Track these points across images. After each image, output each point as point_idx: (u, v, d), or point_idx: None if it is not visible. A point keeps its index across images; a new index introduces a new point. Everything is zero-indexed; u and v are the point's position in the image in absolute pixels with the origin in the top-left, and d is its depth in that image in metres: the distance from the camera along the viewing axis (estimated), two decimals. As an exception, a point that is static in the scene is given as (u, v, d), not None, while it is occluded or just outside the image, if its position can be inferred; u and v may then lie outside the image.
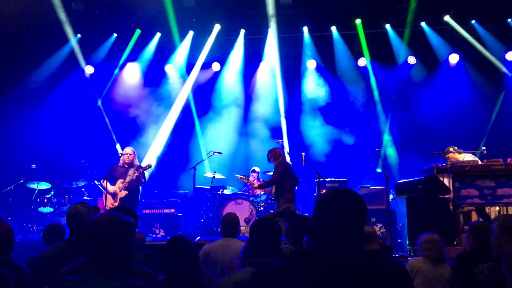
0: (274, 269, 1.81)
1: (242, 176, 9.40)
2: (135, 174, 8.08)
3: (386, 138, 12.09)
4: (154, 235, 9.76)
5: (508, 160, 7.02)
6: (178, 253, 3.09)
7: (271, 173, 10.44)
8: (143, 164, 8.46)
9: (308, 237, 3.82)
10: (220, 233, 5.06)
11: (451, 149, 8.30)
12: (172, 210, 10.24)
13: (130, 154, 8.39)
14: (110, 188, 8.13)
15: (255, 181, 10.55)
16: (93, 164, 10.88)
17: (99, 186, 8.80)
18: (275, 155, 8.34)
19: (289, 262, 1.80)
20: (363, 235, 1.91)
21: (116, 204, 8.09)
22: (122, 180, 8.20)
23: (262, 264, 2.82)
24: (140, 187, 8.42)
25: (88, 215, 3.51)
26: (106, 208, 8.00)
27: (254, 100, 12.78)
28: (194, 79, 12.92)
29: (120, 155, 8.56)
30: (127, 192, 8.14)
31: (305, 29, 12.41)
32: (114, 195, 8.17)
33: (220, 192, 10.59)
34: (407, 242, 7.48)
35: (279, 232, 3.06)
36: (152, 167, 9.85)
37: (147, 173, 8.71)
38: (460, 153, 8.20)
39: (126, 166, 8.36)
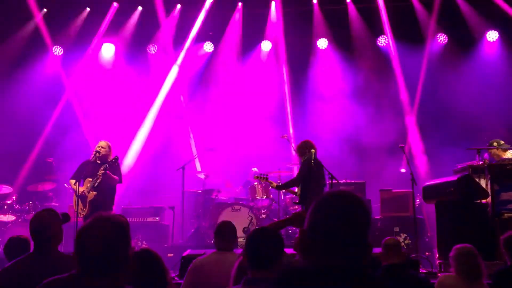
0: None
1: (259, 176, 9.13)
2: (101, 171, 7.97)
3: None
4: (135, 249, 9.75)
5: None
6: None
7: (275, 173, 10.51)
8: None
9: (301, 251, 3.83)
10: (214, 246, 5.05)
11: (495, 143, 8.24)
12: (157, 219, 10.22)
13: (102, 148, 8.23)
14: (80, 189, 8.02)
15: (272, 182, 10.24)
16: (63, 163, 10.86)
17: (73, 187, 8.67)
18: (302, 149, 8.24)
19: (277, 283, 1.79)
20: (369, 248, 1.89)
21: (85, 209, 7.98)
22: (91, 179, 8.10)
23: (259, 282, 2.84)
24: (114, 188, 8.30)
25: (56, 224, 3.50)
26: (79, 215, 7.93)
27: (254, 87, 12.76)
28: (182, 61, 12.89)
29: (95, 152, 8.41)
30: (96, 193, 8.02)
31: (315, 1, 12.37)
32: (83, 198, 8.06)
33: (214, 197, 10.59)
34: (437, 255, 7.47)
35: (280, 243, 3.07)
36: (129, 163, 9.73)
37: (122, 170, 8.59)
38: (505, 150, 8.14)
39: (99, 162, 8.20)
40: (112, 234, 2.13)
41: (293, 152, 10.52)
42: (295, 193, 8.38)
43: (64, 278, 2.46)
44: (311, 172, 7.89)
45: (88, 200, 7.99)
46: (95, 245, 2.10)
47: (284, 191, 10.73)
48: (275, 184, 8.63)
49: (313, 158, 8.11)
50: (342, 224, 1.83)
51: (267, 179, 8.84)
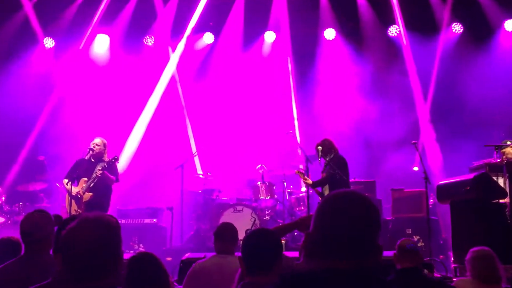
0: None
1: (299, 171, 9.08)
2: (99, 171, 8.01)
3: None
4: (132, 252, 9.76)
5: None
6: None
7: (279, 172, 10.50)
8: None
9: (305, 254, 3.82)
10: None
11: (508, 142, 8.26)
12: (154, 220, 10.22)
13: (97, 145, 8.28)
14: (73, 190, 8.03)
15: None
16: (55, 161, 10.87)
17: (66, 187, 8.70)
18: (328, 147, 8.29)
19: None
20: (378, 250, 1.88)
21: (80, 210, 7.99)
22: (86, 179, 8.11)
23: (257, 287, 2.85)
24: (110, 188, 8.33)
25: (48, 226, 3.50)
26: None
27: (257, 80, 12.74)
28: (181, 54, 12.89)
29: (89, 149, 8.41)
30: (92, 194, 8.04)
31: (322, -11, 12.37)
32: (77, 198, 8.07)
33: (215, 197, 10.59)
34: (452, 259, 7.46)
35: (278, 246, 3.07)
36: (125, 161, 9.73)
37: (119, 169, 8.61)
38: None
39: (93, 161, 8.27)
40: (100, 237, 2.10)
41: (299, 150, 10.53)
42: (321, 194, 8.41)
43: (47, 285, 2.45)
44: (341, 170, 8.02)
45: (83, 201, 8.01)
46: (82, 249, 2.07)
47: (289, 190, 10.74)
48: (310, 181, 8.61)
49: (319, 155, 8.18)
50: (349, 225, 1.83)
51: (304, 174, 8.84)
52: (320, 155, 8.35)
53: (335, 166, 8.19)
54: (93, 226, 2.13)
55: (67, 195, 8.17)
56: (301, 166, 11.39)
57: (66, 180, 8.15)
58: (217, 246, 4.88)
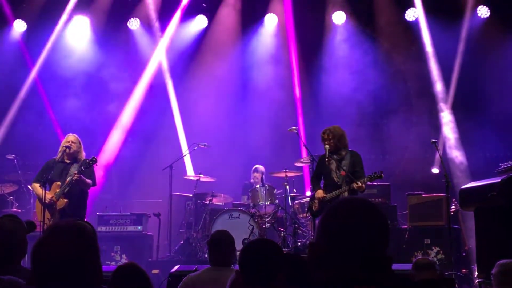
0: None
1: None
2: (76, 175, 7.98)
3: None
4: (113, 263, 9.76)
5: None
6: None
7: (281, 174, 10.49)
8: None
9: (312, 267, 3.83)
10: (207, 260, 5.05)
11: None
12: (139, 228, 10.22)
13: (73, 143, 8.20)
14: (47, 196, 7.95)
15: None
16: (27, 160, 10.86)
17: (36, 192, 8.66)
18: (339, 139, 8.06)
19: None
20: (389, 260, 1.93)
21: (53, 219, 7.91)
22: (59, 183, 8.07)
23: None
24: (87, 193, 8.28)
25: (19, 234, 3.49)
26: (44, 225, 7.88)
27: (256, 70, 12.73)
28: (170, 39, 12.88)
29: (65, 148, 8.32)
30: (67, 200, 7.98)
31: (330, -33, 12.37)
32: (50, 205, 8.01)
33: (208, 202, 10.59)
34: (476, 273, 7.47)
35: (280, 256, 3.08)
36: (106, 160, 9.68)
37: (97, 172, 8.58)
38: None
39: (67, 161, 8.20)
40: (73, 247, 2.11)
41: (304, 149, 10.52)
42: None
43: None
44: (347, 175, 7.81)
45: (57, 208, 7.95)
46: (52, 262, 2.08)
47: (292, 195, 10.71)
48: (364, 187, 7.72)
49: (327, 156, 8.04)
50: (363, 234, 1.88)
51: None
52: (328, 155, 8.09)
53: (350, 166, 7.91)
54: (64, 234, 2.13)
55: (37, 201, 8.12)
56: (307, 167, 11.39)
57: (37, 184, 8.08)
58: (212, 257, 4.87)
